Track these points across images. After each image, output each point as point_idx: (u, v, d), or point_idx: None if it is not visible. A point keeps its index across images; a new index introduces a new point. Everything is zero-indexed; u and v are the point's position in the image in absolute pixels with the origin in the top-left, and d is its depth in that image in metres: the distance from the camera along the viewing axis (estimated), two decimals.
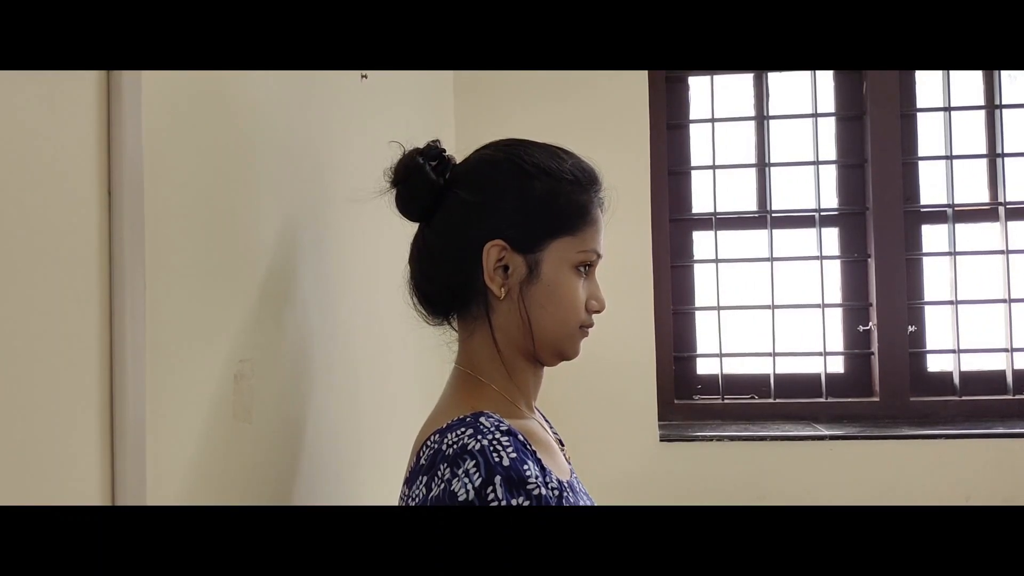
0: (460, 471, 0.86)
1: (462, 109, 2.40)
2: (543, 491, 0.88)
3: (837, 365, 2.58)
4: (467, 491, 0.85)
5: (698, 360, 2.60)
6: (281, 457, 1.02)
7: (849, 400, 2.53)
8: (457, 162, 1.06)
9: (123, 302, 0.67)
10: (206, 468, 0.83)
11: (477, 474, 0.85)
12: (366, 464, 1.34)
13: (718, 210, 2.59)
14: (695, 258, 2.61)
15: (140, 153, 0.69)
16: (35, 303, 0.59)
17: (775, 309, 2.55)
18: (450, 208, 1.02)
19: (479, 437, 0.88)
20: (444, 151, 1.04)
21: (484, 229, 0.99)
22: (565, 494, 0.94)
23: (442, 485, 0.87)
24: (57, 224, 0.62)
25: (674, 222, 2.59)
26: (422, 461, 0.92)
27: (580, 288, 1.02)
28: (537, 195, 1.00)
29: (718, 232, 2.58)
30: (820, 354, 2.54)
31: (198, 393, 0.82)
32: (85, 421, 0.65)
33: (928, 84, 2.58)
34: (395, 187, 1.04)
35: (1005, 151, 2.52)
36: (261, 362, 0.96)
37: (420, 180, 1.01)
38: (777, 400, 2.53)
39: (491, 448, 0.87)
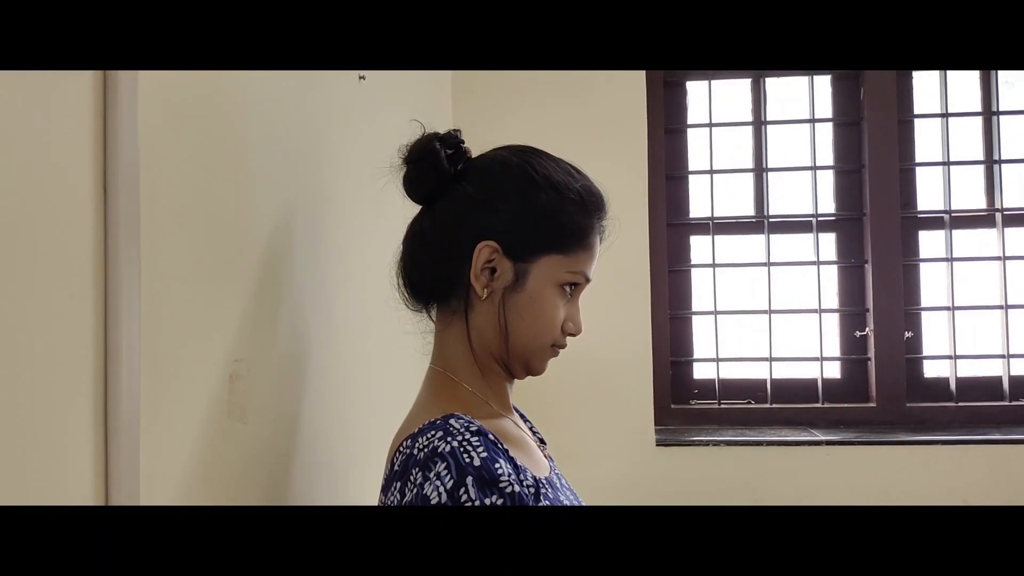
0: (431, 474, 0.86)
1: (460, 112, 2.40)
2: (517, 488, 0.87)
3: (834, 370, 2.58)
4: (439, 493, 0.84)
5: (695, 364, 2.60)
6: (275, 457, 1.01)
7: (846, 405, 2.53)
8: (472, 156, 1.06)
9: (118, 300, 0.67)
10: (200, 468, 0.83)
11: (448, 476, 0.85)
12: (359, 465, 1.33)
13: (715, 215, 2.59)
14: (692, 262, 2.61)
15: (136, 153, 0.69)
16: (29, 301, 0.59)
17: (772, 314, 2.55)
18: (453, 199, 1.02)
19: (449, 439, 0.88)
20: (462, 142, 1.05)
21: (480, 227, 0.99)
22: (543, 490, 0.94)
23: (415, 490, 0.87)
24: (52, 221, 0.62)
25: (671, 226, 2.59)
26: (396, 467, 0.92)
27: (561, 307, 1.02)
28: (539, 207, 1.00)
29: (715, 237, 2.58)
30: (817, 359, 2.54)
31: (193, 393, 0.82)
32: (79, 420, 0.65)
33: (925, 90, 2.58)
34: (406, 165, 1.04)
35: (1002, 157, 2.52)
36: (256, 362, 0.96)
37: (431, 164, 1.02)
38: (774, 405, 2.53)
39: (461, 449, 0.87)
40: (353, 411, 1.34)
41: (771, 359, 2.54)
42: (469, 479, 0.85)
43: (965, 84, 2.58)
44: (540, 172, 1.01)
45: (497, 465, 0.87)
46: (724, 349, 2.56)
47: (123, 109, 0.67)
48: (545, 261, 1.00)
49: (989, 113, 2.54)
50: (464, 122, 2.40)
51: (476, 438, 0.89)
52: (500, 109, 2.41)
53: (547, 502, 0.93)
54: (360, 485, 1.32)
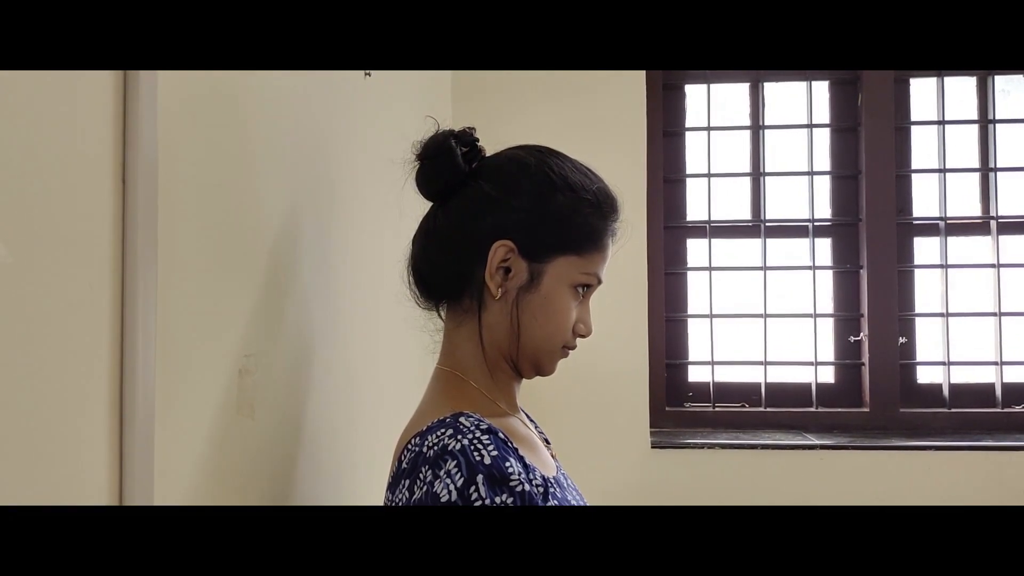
0: (442, 472, 0.86)
1: (460, 113, 2.40)
2: (527, 487, 0.88)
3: (828, 375, 2.59)
4: (449, 491, 0.84)
5: (690, 367, 2.61)
6: (281, 453, 1.02)
7: (839, 410, 2.54)
8: (487, 155, 1.06)
9: (135, 293, 0.67)
10: (209, 463, 0.83)
11: (459, 474, 0.85)
12: (364, 461, 1.34)
13: (712, 218, 2.60)
14: (689, 265, 2.62)
15: (155, 149, 0.70)
16: (49, 291, 0.59)
17: (767, 318, 2.56)
18: (469, 196, 1.02)
19: (459, 437, 0.88)
20: (477, 140, 1.05)
21: (496, 226, 0.99)
22: (552, 489, 0.94)
23: (424, 487, 0.86)
24: (73, 214, 0.62)
25: (668, 229, 2.60)
26: (404, 465, 0.92)
27: (573, 308, 1.02)
28: (556, 208, 1.00)
29: (712, 240, 2.59)
30: (811, 364, 2.56)
31: (203, 387, 0.82)
32: (95, 412, 0.65)
33: (922, 97, 2.60)
34: (420, 161, 1.03)
35: (997, 165, 2.54)
36: (264, 358, 0.96)
37: (447, 161, 1.01)
38: (768, 409, 2.55)
39: (472, 447, 0.87)
40: (359, 408, 1.34)
41: (766, 363, 2.55)
42: (480, 477, 0.85)
43: (962, 92, 2.60)
44: (557, 172, 1.01)
45: (507, 463, 0.87)
46: (719, 352, 2.57)
47: (143, 107, 0.67)
48: (560, 262, 1.00)
49: (985, 121, 2.56)
50: (463, 123, 2.39)
51: (486, 436, 0.89)
52: (499, 110, 2.41)
53: (555, 501, 0.93)
54: (366, 481, 1.33)
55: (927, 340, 2.55)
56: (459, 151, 1.02)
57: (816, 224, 2.59)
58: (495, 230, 0.99)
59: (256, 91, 0.95)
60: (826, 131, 2.61)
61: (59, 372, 0.61)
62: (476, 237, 1.00)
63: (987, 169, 2.55)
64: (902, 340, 2.51)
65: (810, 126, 2.59)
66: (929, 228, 2.57)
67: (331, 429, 1.20)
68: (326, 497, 1.17)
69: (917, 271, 2.57)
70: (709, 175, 2.60)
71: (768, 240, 2.58)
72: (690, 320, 2.61)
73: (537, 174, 1.01)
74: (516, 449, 0.92)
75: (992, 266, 2.52)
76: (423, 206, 1.08)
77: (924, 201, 2.58)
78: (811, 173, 2.59)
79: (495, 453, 0.87)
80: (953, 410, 2.49)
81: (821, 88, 2.62)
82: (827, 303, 2.60)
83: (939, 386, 2.54)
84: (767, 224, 2.59)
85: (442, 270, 1.03)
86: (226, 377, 0.87)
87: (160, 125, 0.71)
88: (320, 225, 1.17)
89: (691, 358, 2.61)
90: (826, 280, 2.60)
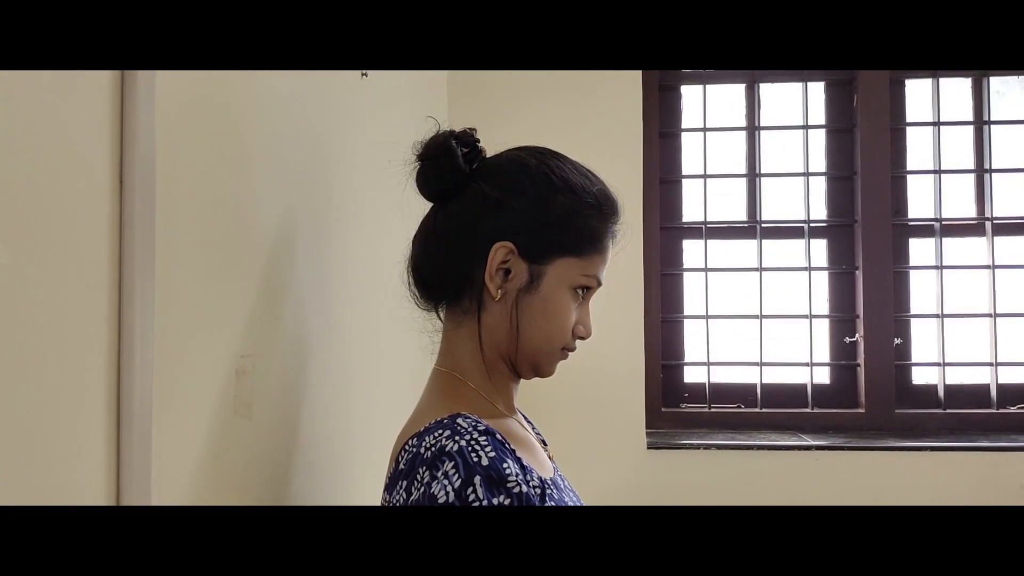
0: (439, 473, 0.86)
1: (456, 113, 2.40)
2: (524, 488, 0.87)
3: (823, 376, 2.59)
4: (447, 492, 0.84)
5: (686, 368, 2.61)
6: (279, 454, 1.02)
7: (835, 411, 2.54)
8: (488, 156, 1.06)
9: (132, 294, 0.67)
10: (205, 464, 0.83)
11: (456, 475, 0.85)
12: (361, 462, 1.34)
13: (708, 219, 2.60)
14: (685, 266, 2.62)
15: (152, 150, 0.70)
16: (46, 294, 0.59)
17: (763, 319, 2.56)
18: (469, 197, 1.02)
19: (457, 438, 0.88)
20: (478, 141, 1.05)
21: (496, 227, 0.99)
22: (548, 491, 0.94)
23: (422, 488, 0.86)
24: (71, 214, 0.62)
25: (665, 230, 2.60)
26: (401, 466, 0.92)
27: (573, 310, 1.02)
28: (557, 209, 1.00)
29: (708, 241, 2.59)
30: (807, 364, 2.56)
31: (200, 388, 0.82)
32: (93, 413, 0.65)
33: (918, 98, 2.60)
34: (421, 162, 1.03)
35: (993, 167, 2.54)
36: (261, 359, 0.96)
37: (447, 162, 1.01)
38: (763, 409, 2.55)
39: (469, 448, 0.87)
40: (357, 408, 1.34)
41: (761, 364, 2.56)
42: (477, 478, 0.85)
43: (957, 93, 2.60)
44: (558, 174, 1.01)
45: (505, 465, 0.87)
46: (715, 353, 2.58)
47: (140, 107, 0.67)
48: (560, 264, 1.00)
49: (980, 122, 2.56)
50: (460, 124, 2.38)
51: (484, 437, 0.89)
52: (496, 111, 2.41)
53: (552, 503, 0.93)
54: (363, 482, 1.33)
55: (922, 341, 2.56)
56: (460, 152, 1.01)
57: (812, 225, 2.59)
58: (495, 231, 0.99)
59: (253, 91, 0.95)
60: (822, 132, 2.62)
61: (57, 372, 0.61)
62: (476, 238, 1.00)
63: (982, 170, 2.56)
64: (897, 341, 2.52)
65: (806, 127, 2.60)
66: (924, 229, 2.58)
67: (328, 430, 1.20)
68: (323, 498, 1.17)
69: (912, 272, 2.57)
70: (705, 176, 2.60)
71: (764, 241, 2.59)
72: (686, 321, 2.61)
73: (538, 175, 1.01)
74: (513, 450, 0.92)
75: (987, 267, 2.52)
76: (423, 206, 1.08)
77: (919, 202, 2.59)
78: (807, 174, 2.59)
79: (493, 454, 0.87)
80: (948, 411, 2.49)
81: (817, 89, 2.63)
82: (823, 304, 2.60)
83: (934, 387, 2.54)
84: (763, 225, 2.59)
85: (442, 271, 1.03)
86: (223, 378, 0.87)
87: (158, 126, 0.71)
88: (317, 225, 1.17)
89: (687, 359, 2.61)
90: (822, 281, 2.61)
